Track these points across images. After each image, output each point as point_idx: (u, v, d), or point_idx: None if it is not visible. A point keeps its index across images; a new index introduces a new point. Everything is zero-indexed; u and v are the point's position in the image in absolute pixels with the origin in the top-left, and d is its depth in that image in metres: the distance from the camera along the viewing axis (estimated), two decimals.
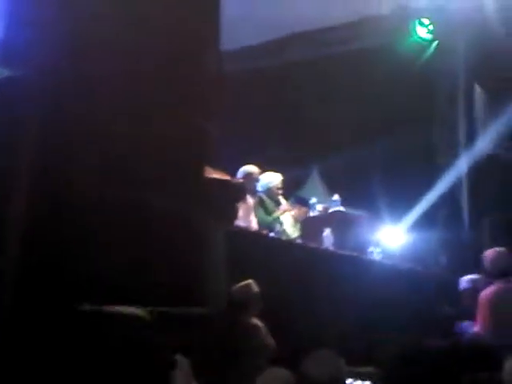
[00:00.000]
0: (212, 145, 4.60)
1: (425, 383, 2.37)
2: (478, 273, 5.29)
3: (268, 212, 6.25)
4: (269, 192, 6.40)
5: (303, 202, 6.74)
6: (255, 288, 4.40)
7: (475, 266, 5.49)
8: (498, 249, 5.12)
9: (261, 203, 6.25)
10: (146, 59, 3.98)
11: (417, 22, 8.69)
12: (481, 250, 6.48)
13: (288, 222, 6.40)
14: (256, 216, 6.04)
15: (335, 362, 2.84)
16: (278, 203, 6.40)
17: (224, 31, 4.62)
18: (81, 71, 3.66)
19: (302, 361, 2.80)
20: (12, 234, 3.26)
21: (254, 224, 5.89)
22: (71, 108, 3.58)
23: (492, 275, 4.95)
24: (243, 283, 4.39)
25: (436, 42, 8.74)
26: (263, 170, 6.46)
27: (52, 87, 3.54)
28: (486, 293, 4.85)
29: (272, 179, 6.47)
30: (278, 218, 6.23)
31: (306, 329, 4.82)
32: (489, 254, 5.08)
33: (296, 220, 6.46)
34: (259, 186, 6.39)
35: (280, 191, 6.45)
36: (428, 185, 8.20)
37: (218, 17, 4.49)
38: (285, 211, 6.29)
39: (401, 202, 7.88)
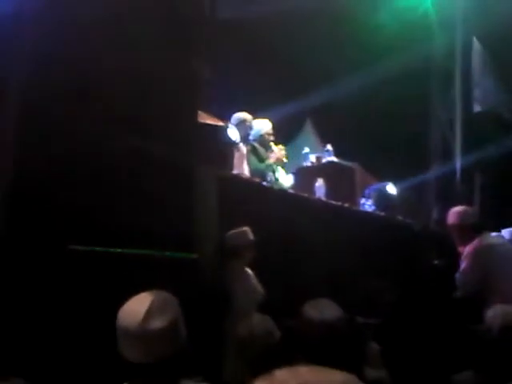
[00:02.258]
0: (204, 89, 4.53)
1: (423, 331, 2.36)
2: None
3: (261, 159, 6.19)
4: (260, 139, 6.33)
5: None
6: (250, 235, 4.37)
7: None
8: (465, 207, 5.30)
9: (253, 151, 6.18)
10: (138, 2, 3.88)
11: None
12: (472, 204, 6.50)
13: (282, 173, 6.36)
14: (249, 164, 5.98)
15: (335, 307, 2.83)
16: (270, 150, 6.33)
17: None
18: (72, 12, 3.55)
19: (302, 307, 2.79)
20: (3, 174, 3.19)
21: (246, 172, 5.83)
22: (63, 50, 3.48)
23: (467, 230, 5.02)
24: (238, 229, 4.35)
25: None
26: (255, 117, 6.38)
27: (44, 28, 3.43)
28: (476, 245, 4.91)
29: (263, 126, 6.40)
30: (271, 165, 6.18)
31: (296, 278, 4.81)
32: (458, 210, 5.18)
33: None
34: (251, 134, 6.32)
35: (271, 137, 6.39)
36: (422, 137, 8.19)
37: None
38: (278, 159, 6.22)
39: (394, 154, 7.86)
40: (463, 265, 4.91)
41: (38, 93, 3.29)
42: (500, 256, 4.90)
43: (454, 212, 5.15)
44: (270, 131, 6.40)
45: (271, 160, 6.20)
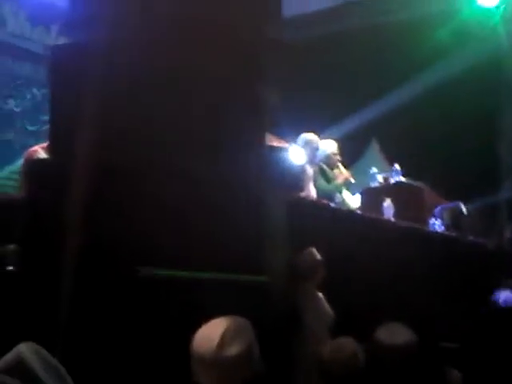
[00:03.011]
0: (271, 112, 4.54)
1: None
2: None
3: (328, 180, 6.18)
4: (327, 160, 6.33)
5: None
6: (318, 256, 4.35)
7: None
8: None
9: (321, 172, 6.18)
10: (207, 25, 3.92)
11: None
12: None
13: (347, 193, 6.33)
14: (315, 186, 5.97)
15: (407, 331, 2.78)
16: (338, 170, 6.32)
17: None
18: (139, 42, 3.63)
19: (375, 330, 2.75)
20: (72, 208, 3.27)
21: (313, 194, 5.82)
22: (126, 80, 3.56)
23: None
24: (306, 251, 4.33)
25: (502, 8, 8.41)
26: (320, 137, 6.38)
27: (111, 59, 3.52)
28: None
29: (328, 146, 6.41)
30: (339, 185, 6.16)
31: (366, 300, 4.75)
32: None
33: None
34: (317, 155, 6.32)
35: (338, 157, 6.38)
36: (493, 154, 8.00)
37: None
38: (346, 179, 6.20)
39: (463, 173, 7.71)
40: None
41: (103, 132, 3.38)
42: None
43: None
44: (336, 151, 6.40)
45: (339, 180, 6.18)
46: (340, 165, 6.40)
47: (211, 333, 2.11)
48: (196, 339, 2.13)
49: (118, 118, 3.46)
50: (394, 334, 2.81)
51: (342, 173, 6.32)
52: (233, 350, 2.06)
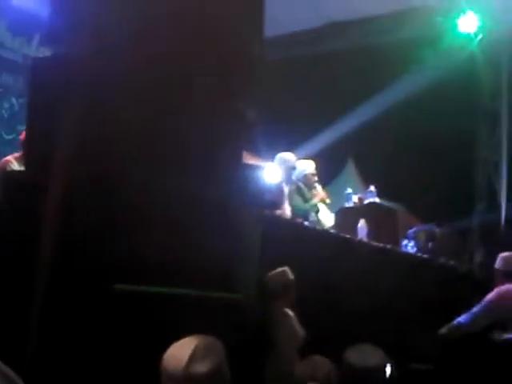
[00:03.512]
0: (250, 130, 4.56)
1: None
2: None
3: (305, 199, 6.22)
4: (305, 179, 6.38)
5: None
6: (290, 276, 4.36)
7: None
8: None
9: (298, 191, 6.23)
10: (191, 39, 3.94)
11: (462, 15, 8.51)
12: None
13: (324, 211, 6.37)
14: (291, 204, 6.00)
15: (378, 352, 2.80)
16: (314, 190, 6.37)
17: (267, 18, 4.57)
18: (120, 57, 3.64)
19: (346, 352, 2.77)
20: (50, 217, 3.26)
21: (288, 212, 5.85)
22: (110, 93, 3.56)
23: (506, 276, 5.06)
24: (279, 270, 4.34)
25: (480, 36, 8.56)
26: (297, 157, 6.43)
27: (93, 71, 3.52)
28: (500, 290, 4.96)
29: (307, 166, 6.46)
30: (316, 205, 6.21)
31: (337, 320, 4.77)
32: (505, 256, 5.23)
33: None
34: (294, 174, 6.36)
35: (315, 178, 6.43)
36: (467, 179, 8.10)
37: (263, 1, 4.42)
38: (322, 199, 6.25)
39: (438, 196, 7.80)
40: (477, 306, 4.92)
41: (85, 136, 3.38)
42: None
43: (501, 257, 5.18)
44: (314, 171, 6.46)
45: (316, 200, 6.23)
46: (317, 185, 6.45)
47: (181, 351, 2.12)
48: (166, 357, 2.14)
49: (94, 129, 3.46)
50: (365, 356, 2.82)
51: (318, 193, 6.36)
52: (202, 368, 2.08)
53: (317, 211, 6.24)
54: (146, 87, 3.69)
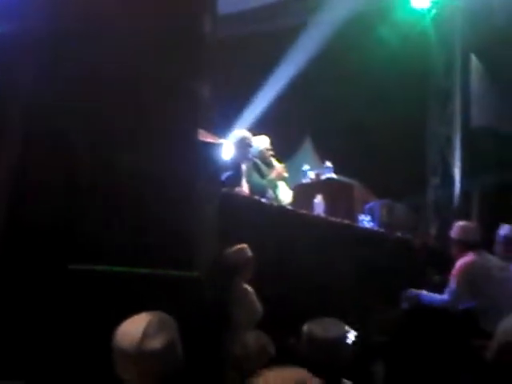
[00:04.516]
0: (204, 107, 4.55)
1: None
2: None
3: (263, 175, 6.24)
4: (261, 155, 6.39)
5: None
6: (249, 252, 4.39)
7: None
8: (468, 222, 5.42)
9: (255, 167, 6.23)
10: (139, 19, 3.91)
11: None
12: (470, 219, 6.48)
13: (283, 189, 6.39)
14: (248, 181, 6.00)
15: (339, 324, 2.83)
16: (271, 165, 6.38)
17: None
18: (75, 30, 3.59)
19: (305, 325, 2.79)
20: (3, 189, 3.22)
21: (246, 189, 5.85)
22: (64, 66, 3.52)
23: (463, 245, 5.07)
24: (237, 247, 4.37)
25: (433, 12, 8.62)
26: (254, 134, 6.42)
27: (45, 44, 3.47)
28: (464, 262, 4.96)
29: (261, 142, 6.45)
30: (273, 180, 6.23)
31: (295, 296, 4.82)
32: (461, 225, 5.24)
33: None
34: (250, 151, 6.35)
35: (270, 153, 6.44)
36: (421, 154, 8.21)
37: None
38: (279, 174, 6.27)
39: (393, 171, 7.89)
40: (452, 281, 4.94)
41: (38, 110, 3.33)
42: (489, 273, 4.93)
43: (457, 226, 5.18)
44: (269, 147, 6.46)
45: (273, 175, 6.25)
46: (274, 160, 6.46)
47: (133, 327, 2.11)
48: (118, 333, 2.13)
49: (45, 105, 3.42)
50: (327, 328, 2.86)
51: (276, 168, 6.37)
52: (154, 344, 2.08)
53: (275, 186, 6.26)
54: (98, 69, 3.66)
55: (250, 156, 6.24)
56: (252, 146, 6.27)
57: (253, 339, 2.95)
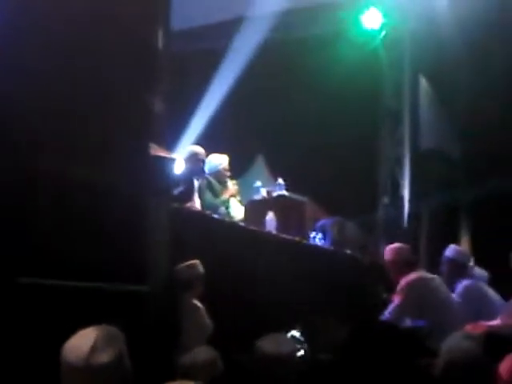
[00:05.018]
0: (157, 122, 4.54)
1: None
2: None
3: (216, 195, 6.22)
4: (217, 174, 6.37)
5: None
6: (200, 268, 4.38)
7: (414, 253, 5.59)
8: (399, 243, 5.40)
9: (209, 185, 6.21)
10: (93, 35, 3.89)
11: (366, 11, 8.67)
12: (419, 240, 6.59)
13: (235, 206, 6.39)
14: (201, 198, 5.99)
15: (290, 341, 2.85)
16: (225, 185, 6.38)
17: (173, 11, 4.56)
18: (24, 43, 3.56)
19: (257, 341, 2.79)
20: None
21: (197, 205, 5.84)
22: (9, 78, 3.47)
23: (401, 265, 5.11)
24: (189, 262, 4.35)
25: (383, 33, 8.75)
26: (209, 151, 6.42)
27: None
28: (409, 279, 4.98)
29: (221, 161, 6.45)
30: (226, 200, 6.22)
31: (246, 312, 4.81)
32: (393, 246, 5.29)
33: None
34: (207, 168, 6.35)
35: (228, 173, 6.44)
36: (373, 174, 8.32)
37: None
38: (232, 194, 6.27)
39: (345, 191, 7.98)
40: (397, 299, 4.98)
41: None
42: (433, 292, 4.99)
43: (390, 249, 5.26)
44: (227, 167, 6.45)
45: (226, 195, 6.25)
46: (229, 180, 6.46)
47: (81, 341, 2.08)
48: (66, 347, 2.09)
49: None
50: (278, 344, 2.86)
51: (229, 188, 6.37)
52: (103, 358, 2.04)
53: (227, 207, 6.25)
54: (50, 78, 3.62)
55: (203, 172, 6.23)
56: (204, 163, 6.26)
57: (202, 354, 2.94)
